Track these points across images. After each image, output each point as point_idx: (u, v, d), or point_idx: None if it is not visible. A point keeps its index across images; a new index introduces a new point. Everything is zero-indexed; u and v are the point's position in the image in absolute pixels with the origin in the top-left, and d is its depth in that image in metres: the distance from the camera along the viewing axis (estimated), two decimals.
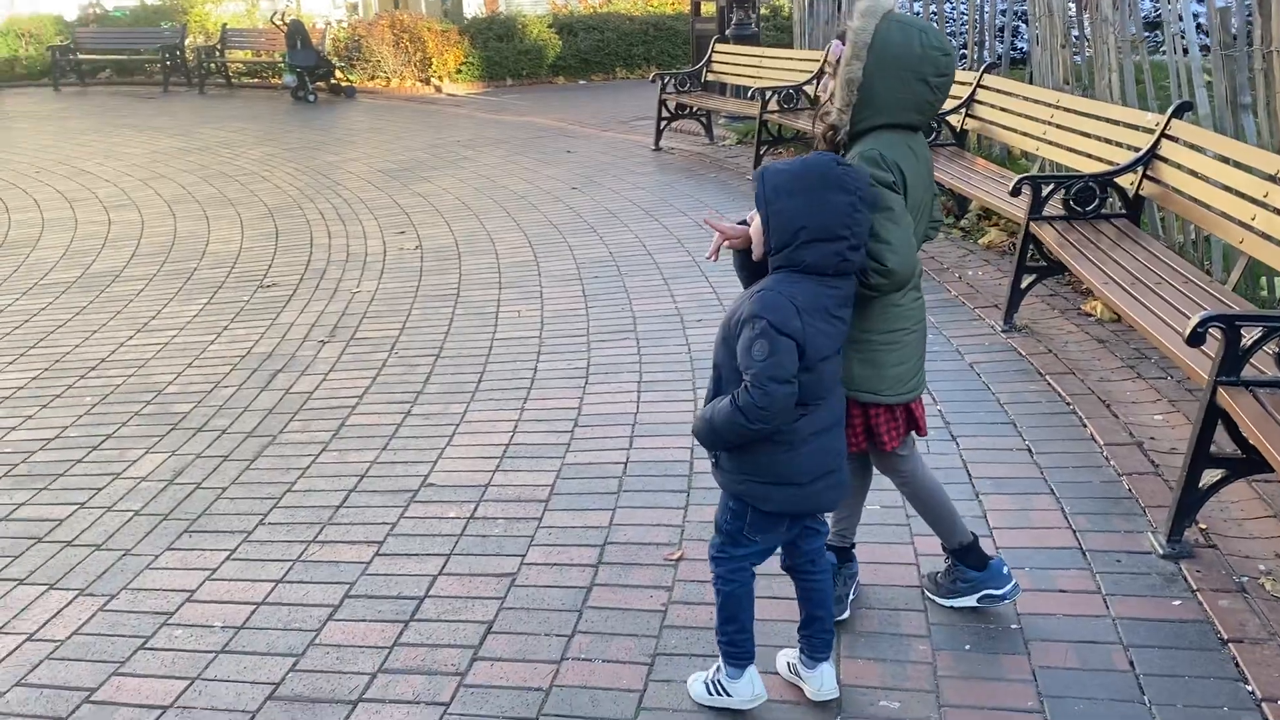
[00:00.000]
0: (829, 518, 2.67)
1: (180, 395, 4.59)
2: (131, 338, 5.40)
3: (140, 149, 11.39)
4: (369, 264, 6.61)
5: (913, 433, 2.60)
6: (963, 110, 6.69)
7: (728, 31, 10.69)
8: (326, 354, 5.02)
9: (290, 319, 5.58)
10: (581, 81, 16.63)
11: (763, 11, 13.59)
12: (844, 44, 2.40)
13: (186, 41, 17.82)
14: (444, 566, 3.09)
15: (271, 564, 3.16)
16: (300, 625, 2.83)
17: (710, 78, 10.54)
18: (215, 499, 3.62)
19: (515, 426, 4.07)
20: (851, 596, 2.75)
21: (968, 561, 2.68)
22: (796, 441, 2.21)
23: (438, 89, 16.00)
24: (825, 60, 2.52)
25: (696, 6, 12.39)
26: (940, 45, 2.37)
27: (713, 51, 10.54)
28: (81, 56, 18.38)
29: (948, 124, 6.81)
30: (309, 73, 15.15)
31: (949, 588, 2.72)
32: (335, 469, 3.80)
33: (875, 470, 2.73)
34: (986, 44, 8.17)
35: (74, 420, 4.37)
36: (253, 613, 2.91)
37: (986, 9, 8.19)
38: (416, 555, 3.17)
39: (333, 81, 15.65)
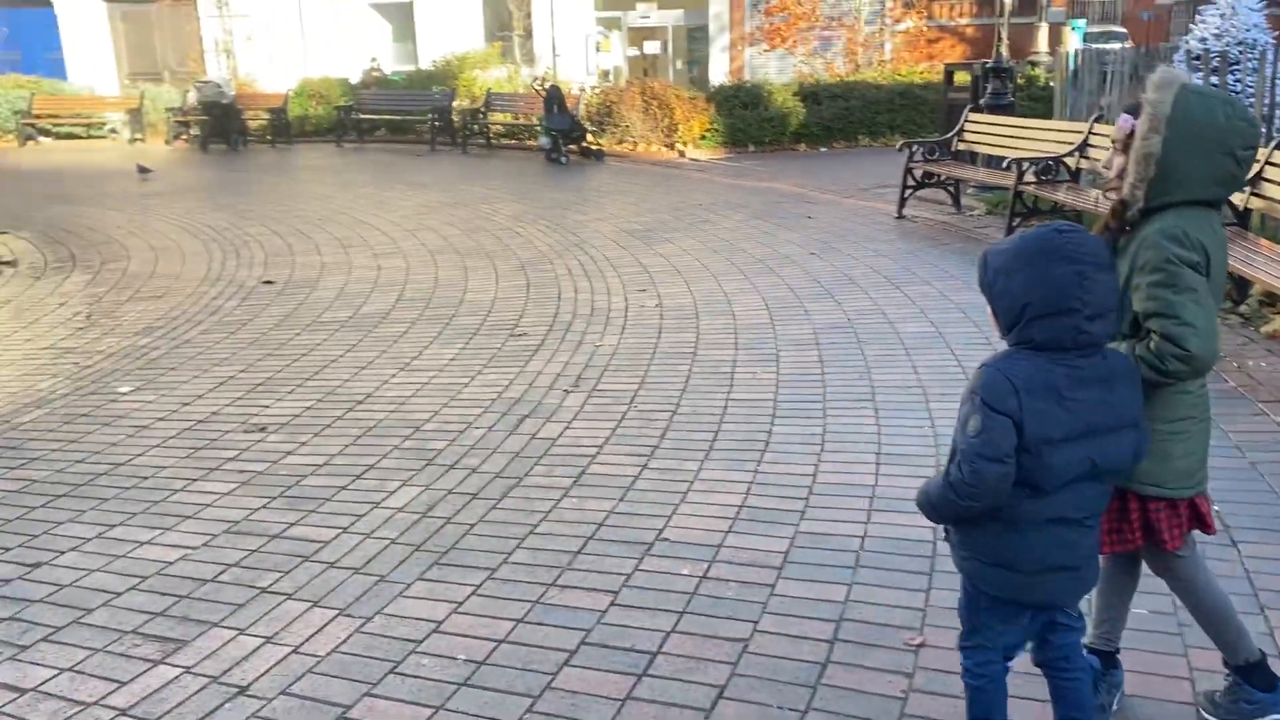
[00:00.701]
0: (1087, 614, 2.49)
1: (436, 433, 4.86)
2: (394, 376, 5.78)
3: (408, 202, 12.30)
4: (612, 319, 6.81)
5: (1195, 532, 2.39)
6: (1247, 188, 6.21)
7: (982, 100, 10.44)
8: (570, 403, 5.19)
9: (538, 367, 5.81)
10: (823, 149, 16.65)
11: (1018, 81, 13.18)
12: (1135, 117, 2.28)
13: (454, 104, 19.20)
14: (676, 624, 3.09)
15: (513, 603, 3.27)
16: (538, 667, 2.90)
17: (961, 147, 10.30)
18: (464, 534, 3.79)
19: (749, 489, 4.05)
20: (1114, 707, 2.53)
21: (1254, 681, 2.42)
22: (1022, 525, 2.09)
23: (682, 154, 16.44)
24: (1114, 135, 2.40)
25: (950, 76, 12.19)
26: (1246, 116, 2.22)
27: (966, 120, 10.30)
28: (361, 116, 20.16)
29: (1229, 202, 6.32)
30: (563, 136, 15.95)
31: (1230, 709, 2.46)
32: (575, 515, 3.89)
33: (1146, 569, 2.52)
34: (1276, 120, 7.57)
35: (341, 449, 4.71)
36: (494, 650, 3.00)
37: (1277, 80, 7.60)
38: (650, 609, 3.19)
39: (584, 145, 16.39)
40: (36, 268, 9.11)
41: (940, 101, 13.08)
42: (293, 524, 3.95)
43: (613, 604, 3.23)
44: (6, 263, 9.31)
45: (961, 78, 11.94)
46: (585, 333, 6.51)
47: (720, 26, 22.88)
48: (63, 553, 3.77)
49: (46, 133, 21.84)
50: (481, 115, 18.67)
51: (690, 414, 4.94)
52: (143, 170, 15.73)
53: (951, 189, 10.25)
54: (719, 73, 22.09)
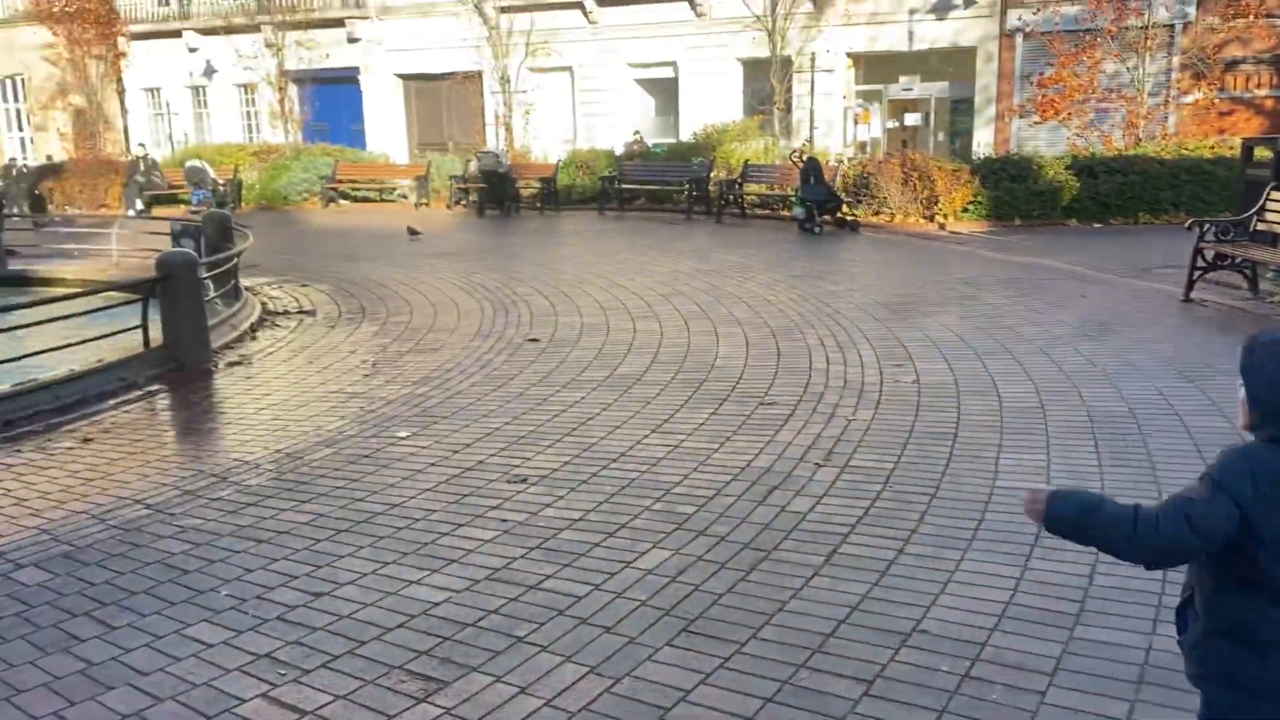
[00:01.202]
0: None
1: (685, 497, 4.88)
2: (646, 436, 5.88)
3: (664, 268, 12.62)
4: (865, 393, 6.65)
5: None
6: None
7: None
8: (821, 477, 5.08)
9: (788, 438, 5.75)
10: (1097, 225, 15.72)
11: None
12: None
13: (711, 175, 19.64)
14: None
15: (762, 681, 3.19)
16: None
17: (1261, 227, 9.43)
18: (712, 604, 3.76)
19: (1016, 585, 3.79)
20: None
21: None
22: (1265, 646, 1.85)
23: (942, 226, 16.00)
24: None
25: (1249, 151, 11.24)
26: None
27: (1267, 199, 9.43)
28: (623, 186, 21.00)
29: None
30: (818, 206, 15.93)
31: None
32: (827, 595, 3.78)
33: None
34: None
35: (595, 506, 4.81)
36: None
37: None
38: (906, 705, 3.02)
39: (839, 215, 16.29)
40: (331, 317, 10.00)
41: (1235, 178, 12.07)
42: (548, 576, 4.06)
43: (866, 694, 3.09)
44: (306, 312, 10.28)
45: (1262, 153, 10.98)
46: (837, 405, 6.38)
47: (987, 99, 22.26)
48: (342, 585, 4.05)
49: (346, 196, 24.15)
50: (738, 185, 18.99)
51: (951, 499, 4.71)
52: (412, 233, 17.06)
53: (1248, 272, 9.38)
54: (983, 145, 21.44)
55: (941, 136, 24.11)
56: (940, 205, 16.22)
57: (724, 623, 3.60)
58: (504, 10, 24.53)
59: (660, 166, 21.47)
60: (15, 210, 16.78)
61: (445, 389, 7.17)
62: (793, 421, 6.07)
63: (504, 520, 4.67)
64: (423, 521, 4.70)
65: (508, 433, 6.07)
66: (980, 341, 7.95)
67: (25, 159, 30.39)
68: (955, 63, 23.02)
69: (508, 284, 11.71)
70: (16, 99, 34.06)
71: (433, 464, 5.53)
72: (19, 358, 7.51)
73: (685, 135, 23.76)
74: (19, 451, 6.00)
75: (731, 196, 18.97)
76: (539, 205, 21.60)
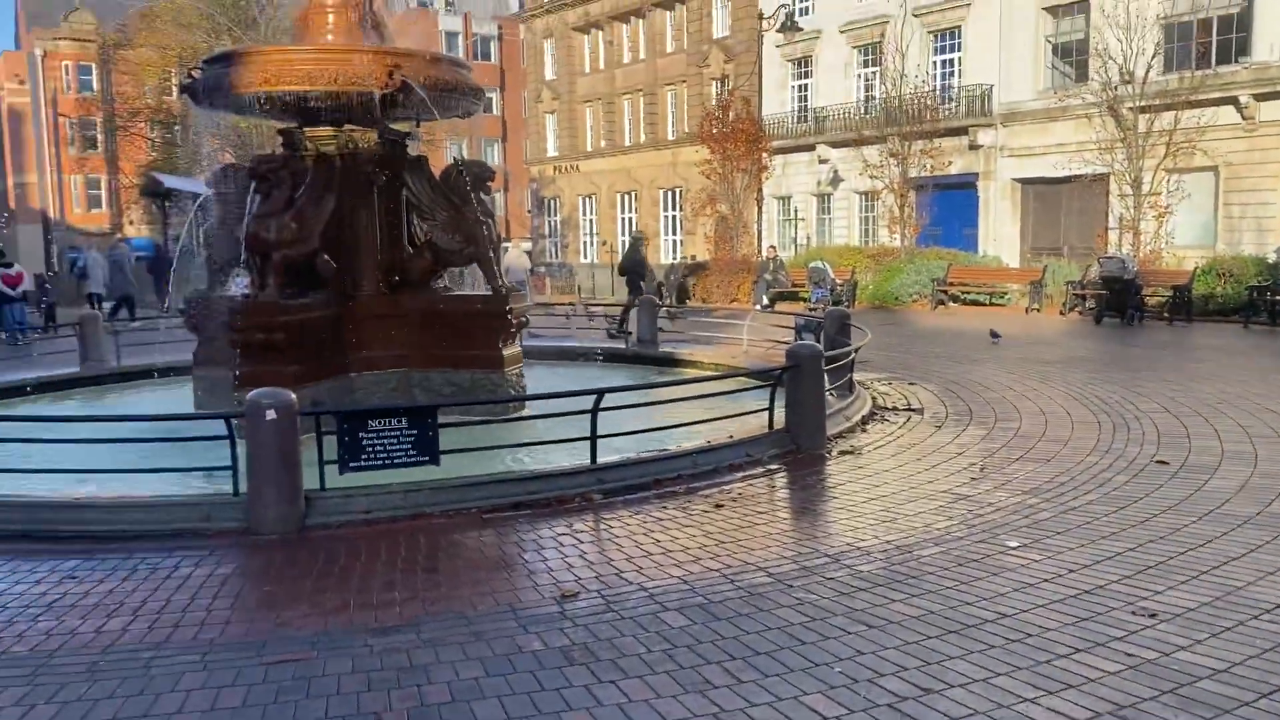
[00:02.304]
0: None
1: None
2: None
3: None
4: None
5: None
6: None
7: None
8: None
9: None
10: None
11: None
12: None
13: None
14: None
15: None
16: None
17: None
18: None
19: None
20: None
21: None
22: None
23: None
24: None
25: None
26: None
27: None
28: (1277, 298, 18.36)
29: None
30: None
31: None
32: None
33: None
34: None
35: (1244, 659, 4.18)
36: None
37: None
38: None
39: None
40: (938, 417, 10.05)
41: None
42: None
43: None
44: (914, 410, 10.46)
45: None
46: None
47: None
48: (951, 686, 3.98)
49: (955, 299, 24.32)
50: None
51: None
52: (994, 336, 16.54)
53: None
54: None
55: None
56: None
57: None
58: (1143, 110, 23.10)
59: None
60: (668, 300, 19.53)
61: (1058, 503, 6.79)
62: None
63: (1130, 655, 4.25)
64: (1036, 638, 4.46)
65: (1132, 560, 5.55)
66: None
67: (679, 258, 35.28)
68: None
69: (1129, 398, 10.81)
70: (674, 207, 39.86)
71: (1046, 579, 5.25)
72: (664, 427, 8.64)
73: None
74: (665, 508, 6.87)
75: None
76: (1166, 315, 19.79)
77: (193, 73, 10.41)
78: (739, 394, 9.93)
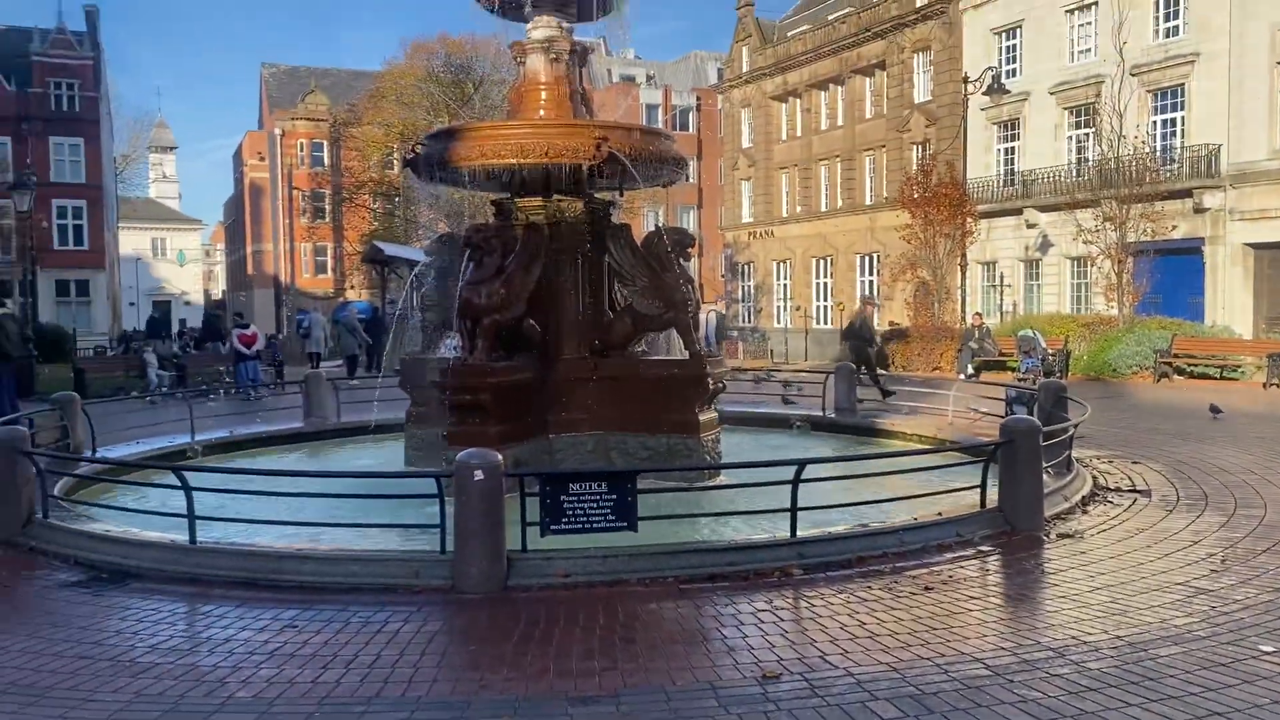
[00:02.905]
0: None
1: None
2: None
3: None
4: None
5: None
6: None
7: None
8: None
9: None
10: None
11: None
12: None
13: None
14: None
15: None
16: None
17: None
18: None
19: None
20: None
21: None
22: None
23: None
24: None
25: None
26: None
27: None
28: None
29: None
30: None
31: None
32: None
33: None
34: None
35: None
36: None
37: None
38: None
39: None
40: (1167, 500, 9.25)
41: None
42: None
43: None
44: (1140, 491, 9.68)
45: None
46: None
47: None
48: None
49: (1181, 371, 22.62)
50: None
51: None
52: (1215, 411, 15.27)
53: None
54: None
55: None
56: None
57: None
58: None
59: None
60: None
61: None
62: None
63: None
64: None
65: None
66: None
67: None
68: None
69: None
70: (871, 272, 39.18)
71: None
72: (868, 501, 8.33)
73: None
74: (870, 588, 6.56)
75: None
76: None
77: (416, 148, 11.04)
78: (947, 468, 9.48)
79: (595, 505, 6.76)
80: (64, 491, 9.05)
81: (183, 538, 7.17)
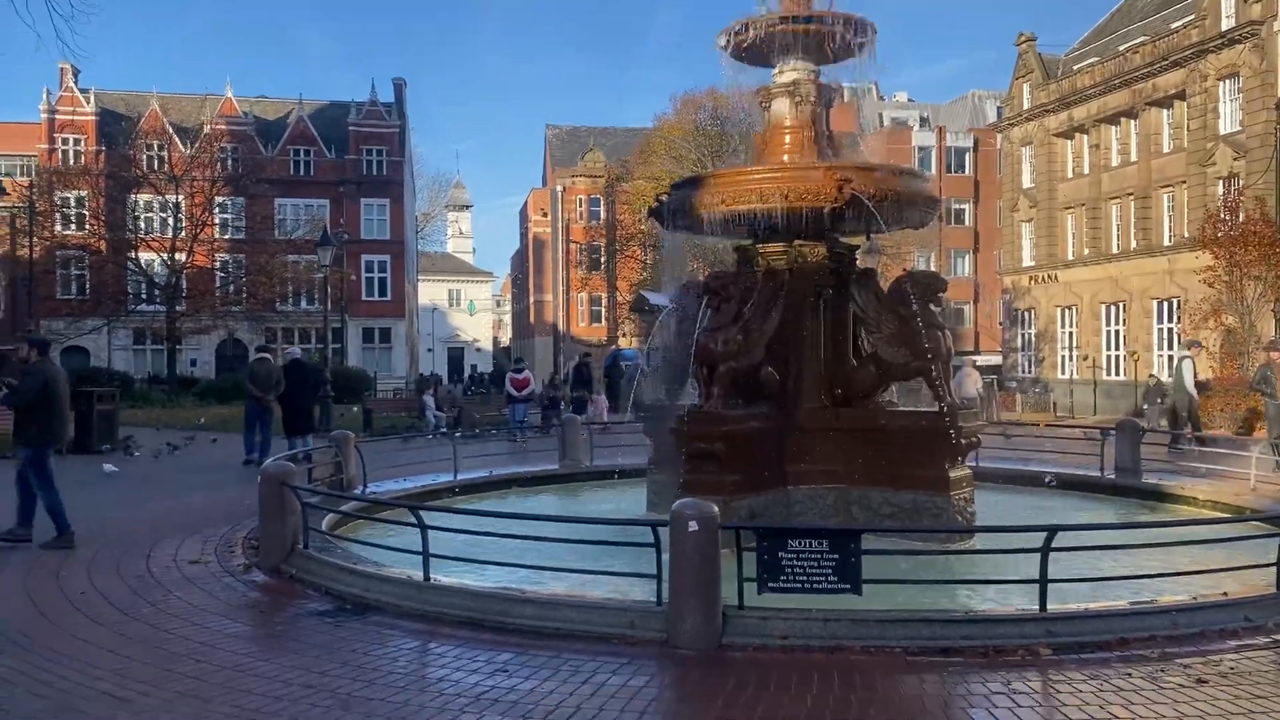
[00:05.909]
0: None
1: None
2: None
3: None
4: None
5: None
6: None
7: None
8: None
9: None
10: None
11: None
12: None
13: None
14: None
15: None
16: None
17: None
18: None
19: None
20: None
21: None
22: None
23: None
24: None
25: None
26: None
27: None
28: None
29: None
30: None
31: None
32: None
33: None
34: None
35: None
36: None
37: None
38: None
39: None
40: None
41: None
42: None
43: None
44: None
45: None
46: None
47: None
48: None
49: None
50: None
51: None
52: None
53: None
54: None
55: None
56: None
57: None
58: None
59: None
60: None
61: None
62: None
63: None
64: None
65: None
66: None
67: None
68: None
69: None
70: (1170, 319, 35.72)
71: None
72: (1135, 576, 7.39)
73: None
74: (1129, 675, 5.75)
75: None
76: None
77: (660, 197, 11.16)
78: (1241, 542, 8.27)
79: (816, 564, 6.37)
80: (329, 526, 9.69)
81: (419, 574, 7.43)
